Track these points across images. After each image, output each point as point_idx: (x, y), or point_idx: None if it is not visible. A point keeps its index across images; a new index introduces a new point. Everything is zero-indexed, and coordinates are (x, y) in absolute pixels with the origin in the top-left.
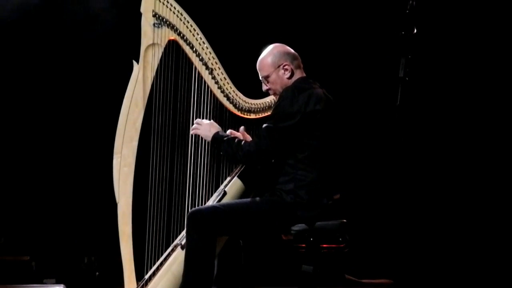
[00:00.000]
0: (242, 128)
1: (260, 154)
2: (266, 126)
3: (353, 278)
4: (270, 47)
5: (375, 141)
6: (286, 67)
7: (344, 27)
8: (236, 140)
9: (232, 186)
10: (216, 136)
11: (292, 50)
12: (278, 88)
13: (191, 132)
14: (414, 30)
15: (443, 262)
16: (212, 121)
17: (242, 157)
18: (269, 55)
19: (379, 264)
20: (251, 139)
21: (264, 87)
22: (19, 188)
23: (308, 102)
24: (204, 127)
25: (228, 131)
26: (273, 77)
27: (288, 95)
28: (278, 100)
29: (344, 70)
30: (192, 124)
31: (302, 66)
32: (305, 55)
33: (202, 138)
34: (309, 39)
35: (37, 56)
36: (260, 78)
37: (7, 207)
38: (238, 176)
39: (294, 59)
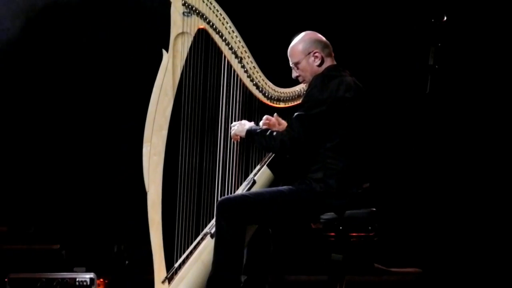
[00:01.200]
0: (275, 115)
1: (292, 143)
2: (297, 115)
3: (382, 267)
4: (302, 34)
5: (404, 129)
6: (316, 54)
7: (374, 15)
8: (268, 131)
9: (261, 175)
10: (249, 130)
11: (323, 38)
12: (308, 75)
13: (233, 139)
14: (444, 18)
15: (472, 252)
16: (245, 120)
17: (276, 147)
18: (300, 42)
19: (408, 253)
20: (286, 123)
21: (294, 74)
22: (49, 177)
23: (338, 89)
24: (239, 126)
25: (265, 116)
26: (303, 64)
27: (318, 83)
28: (308, 88)
29: (374, 58)
30: (223, 115)
31: (333, 54)
32: (335, 42)
33: (231, 127)
34: (339, 27)
35: (68, 44)
36: (290, 65)
37: (37, 196)
38: (267, 165)
39: (325, 47)
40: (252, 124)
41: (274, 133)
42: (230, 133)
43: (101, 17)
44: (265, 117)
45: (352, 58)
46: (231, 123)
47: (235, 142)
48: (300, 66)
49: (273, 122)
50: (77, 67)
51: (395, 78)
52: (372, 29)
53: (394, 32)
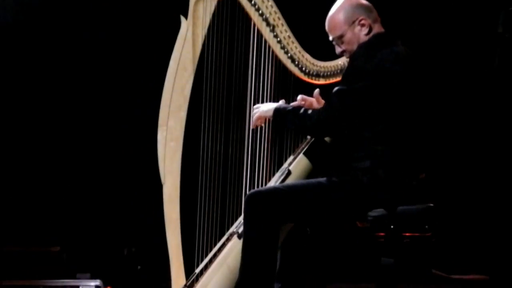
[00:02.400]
0: (316, 91)
1: (331, 121)
2: (337, 89)
3: (441, 273)
4: (339, 1)
5: (468, 109)
6: (362, 21)
7: None
8: (302, 109)
9: (297, 164)
10: (278, 108)
11: (365, 1)
12: (356, 48)
13: (252, 126)
14: None
15: None
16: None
17: (312, 127)
18: (340, 11)
19: (473, 257)
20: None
21: (338, 49)
22: (49, 168)
23: (386, 60)
24: (264, 106)
25: (299, 97)
26: (348, 36)
27: (362, 52)
28: (351, 58)
29: (432, 25)
30: (252, 94)
31: (379, 19)
32: (384, 7)
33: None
34: None
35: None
36: (331, 40)
37: (34, 189)
38: (304, 153)
39: (370, 11)
40: (281, 102)
41: (309, 111)
42: (253, 115)
43: None
44: (299, 96)
45: (405, 26)
46: (261, 102)
47: (267, 125)
48: (345, 39)
49: (310, 102)
50: (79, 35)
51: (457, 49)
52: None
53: None
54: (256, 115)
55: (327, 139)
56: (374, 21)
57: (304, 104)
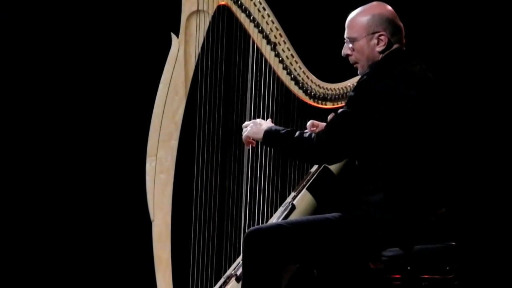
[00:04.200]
0: (330, 116)
1: (331, 146)
2: (341, 111)
3: None
4: (373, 4)
5: (497, 134)
6: (381, 37)
7: None
8: (297, 132)
9: (302, 199)
10: (269, 130)
11: (397, 19)
12: (363, 60)
13: (246, 145)
14: None
15: None
16: (260, 119)
17: (308, 152)
18: (367, 14)
19: None
20: None
21: (345, 51)
22: (23, 207)
23: (399, 83)
24: (253, 124)
25: (309, 122)
26: (360, 44)
27: (373, 73)
28: (361, 78)
29: (459, 37)
30: (251, 120)
31: (404, 41)
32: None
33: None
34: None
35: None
36: (345, 37)
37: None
38: (310, 185)
39: (395, 32)
40: (271, 123)
41: (306, 134)
42: (242, 135)
43: None
44: (309, 122)
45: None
46: None
47: (268, 155)
48: (356, 44)
49: (321, 129)
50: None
51: (486, 62)
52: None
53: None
54: (245, 134)
55: (334, 170)
56: (395, 42)
57: (314, 131)
